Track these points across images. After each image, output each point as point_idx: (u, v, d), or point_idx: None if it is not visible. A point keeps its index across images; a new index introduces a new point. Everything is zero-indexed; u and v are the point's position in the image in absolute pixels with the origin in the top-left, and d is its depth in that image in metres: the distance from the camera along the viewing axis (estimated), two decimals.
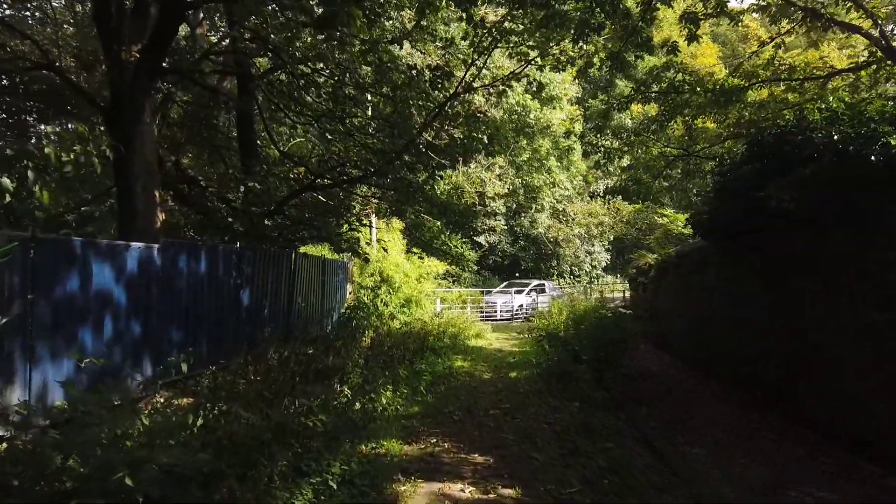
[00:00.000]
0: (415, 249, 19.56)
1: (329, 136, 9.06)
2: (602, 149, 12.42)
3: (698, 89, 10.27)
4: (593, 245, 32.14)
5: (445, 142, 8.95)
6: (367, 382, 7.02)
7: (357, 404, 6.07)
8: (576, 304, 14.97)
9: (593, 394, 7.45)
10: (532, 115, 21.84)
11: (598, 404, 7.03)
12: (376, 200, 13.07)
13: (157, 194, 9.55)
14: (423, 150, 9.06)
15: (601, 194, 33.28)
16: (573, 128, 24.54)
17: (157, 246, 7.26)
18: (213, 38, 14.39)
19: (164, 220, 10.57)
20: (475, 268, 27.44)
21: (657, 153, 12.77)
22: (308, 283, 12.19)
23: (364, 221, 16.95)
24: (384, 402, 6.55)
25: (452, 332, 13.75)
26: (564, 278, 31.49)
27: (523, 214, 28.24)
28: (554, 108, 23.24)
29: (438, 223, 11.35)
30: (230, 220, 8.95)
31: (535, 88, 11.27)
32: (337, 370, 8.94)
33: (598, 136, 11.72)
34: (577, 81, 25.48)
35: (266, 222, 11.49)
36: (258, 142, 12.02)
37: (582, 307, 14.39)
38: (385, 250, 14.32)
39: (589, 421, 6.25)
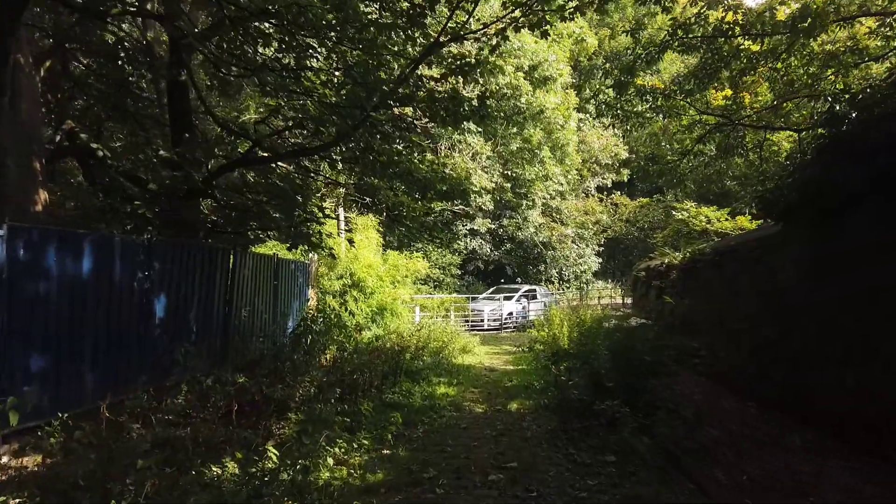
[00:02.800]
0: (393, 252, 17.41)
1: (270, 89, 6.89)
2: (621, 111, 10.38)
3: (758, 26, 8.25)
4: (584, 248, 30.32)
5: (425, 94, 6.84)
6: (304, 435, 4.86)
7: (285, 474, 3.93)
8: (579, 312, 12.96)
9: (632, 441, 5.41)
10: (524, 99, 19.89)
11: (646, 461, 5.00)
12: (342, 187, 10.93)
13: (38, 167, 7.33)
14: (399, 107, 7.01)
15: (597, 190, 31.36)
16: (569, 114, 22.72)
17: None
18: None
19: (56, 204, 8.31)
20: (458, 272, 25.45)
21: (689, 122, 10.75)
22: (254, 287, 10.02)
23: (329, 212, 14.80)
24: (326, 472, 4.40)
25: (434, 346, 11.66)
26: (553, 283, 29.61)
27: (510, 215, 26.27)
28: (548, 90, 21.32)
29: (420, 205, 9.43)
30: (137, 203, 6.74)
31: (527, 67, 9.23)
32: (278, 407, 6.81)
33: (619, 96, 9.75)
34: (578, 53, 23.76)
35: (204, 211, 9.32)
36: (196, 115, 9.79)
37: (588, 316, 12.41)
38: (351, 242, 12.16)
39: (642, 494, 4.21)
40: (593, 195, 31.43)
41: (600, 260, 31.96)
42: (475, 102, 7.58)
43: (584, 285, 30.86)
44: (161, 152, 7.27)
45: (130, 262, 6.82)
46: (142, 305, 7.06)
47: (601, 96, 10.27)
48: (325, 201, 12.59)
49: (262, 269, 10.42)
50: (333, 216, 14.90)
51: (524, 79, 19.79)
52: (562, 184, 26.04)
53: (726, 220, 12.86)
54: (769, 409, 6.81)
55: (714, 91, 10.53)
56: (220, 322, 8.89)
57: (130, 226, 7.26)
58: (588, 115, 29.61)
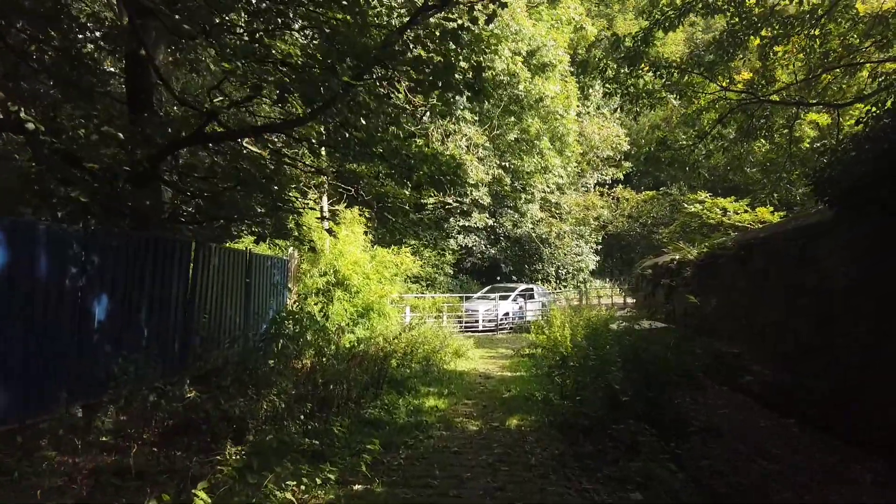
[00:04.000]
0: (381, 248, 16.39)
1: (231, 53, 5.86)
2: (631, 89, 9.33)
3: None
4: (582, 246, 29.38)
5: (411, 59, 5.82)
6: (249, 472, 3.86)
7: None
8: (582, 313, 12.01)
9: (661, 473, 4.43)
10: (522, 86, 18.90)
11: (680, 501, 4.00)
12: (323, 175, 9.94)
13: None
14: (382, 74, 6.01)
15: (599, 184, 30.31)
16: (569, 103, 21.75)
17: None
18: None
19: None
20: (451, 271, 24.48)
21: (708, 101, 9.70)
22: (222, 286, 9.02)
23: (313, 204, 13.78)
24: None
25: (424, 351, 10.67)
26: (550, 282, 28.68)
27: (506, 211, 25.28)
28: (547, 77, 20.34)
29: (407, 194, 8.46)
30: (72, 186, 5.74)
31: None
32: (235, 426, 5.81)
33: (631, 69, 8.71)
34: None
35: (165, 199, 8.27)
36: (159, 92, 8.73)
37: (593, 318, 11.46)
38: (330, 233, 11.16)
39: None
40: (595, 189, 30.38)
41: (598, 258, 31.05)
42: (470, 75, 6.60)
43: (582, 284, 29.94)
44: (105, 128, 6.22)
45: (60, 256, 5.81)
46: (76, 307, 6.04)
47: (609, 72, 9.21)
48: (307, 192, 11.55)
49: (232, 266, 9.40)
50: (315, 207, 13.88)
51: (522, 64, 18.82)
52: (561, 176, 25.03)
53: (745, 211, 11.90)
54: (813, 429, 5.85)
55: (739, 62, 9.50)
56: (179, 325, 7.87)
57: (64, 212, 6.22)
58: (588, 104, 28.63)
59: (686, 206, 13.08)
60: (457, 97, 8.62)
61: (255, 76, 5.42)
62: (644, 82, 9.42)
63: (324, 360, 8.75)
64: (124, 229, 6.78)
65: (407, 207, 10.02)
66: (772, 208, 11.67)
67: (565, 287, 28.97)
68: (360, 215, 15.12)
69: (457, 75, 6.62)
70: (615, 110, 25.44)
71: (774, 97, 9.10)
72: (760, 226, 9.97)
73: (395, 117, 7.61)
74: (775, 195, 12.01)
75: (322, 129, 8.14)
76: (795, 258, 6.58)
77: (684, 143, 10.62)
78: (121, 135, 6.24)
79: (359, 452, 5.19)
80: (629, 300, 23.50)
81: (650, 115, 31.87)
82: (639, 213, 26.39)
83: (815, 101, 9.34)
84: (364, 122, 6.74)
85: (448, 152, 16.83)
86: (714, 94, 9.69)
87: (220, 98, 7.41)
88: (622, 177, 31.19)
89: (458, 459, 5.32)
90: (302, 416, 6.19)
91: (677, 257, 11.83)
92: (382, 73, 6.34)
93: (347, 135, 6.55)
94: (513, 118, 20.25)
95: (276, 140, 9.36)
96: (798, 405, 6.34)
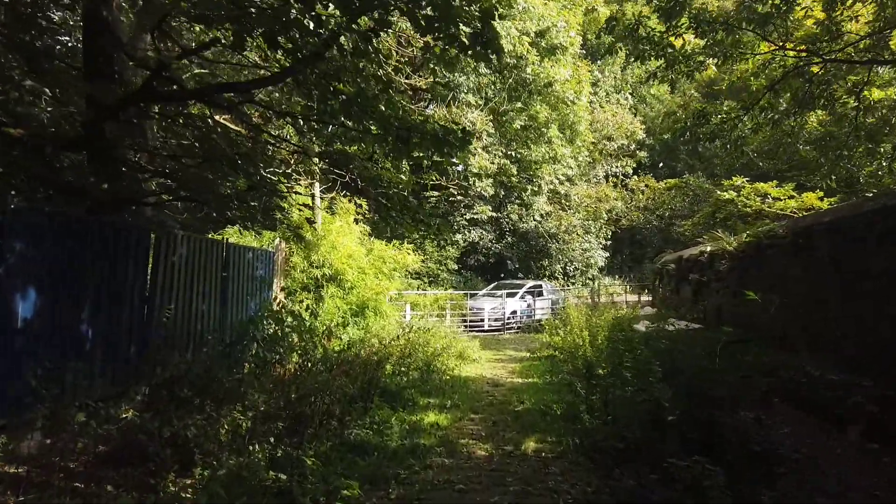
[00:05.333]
0: (379, 242, 15.25)
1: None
2: (668, 50, 8.05)
3: None
4: (591, 241, 28.16)
5: None
6: None
7: None
8: (602, 312, 10.85)
9: None
10: (530, 70, 17.70)
11: None
12: (310, 156, 8.82)
13: None
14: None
15: (612, 175, 28.97)
16: (581, 88, 20.54)
17: None
18: None
19: None
20: (455, 267, 23.36)
21: (756, 66, 8.43)
22: (191, 280, 7.89)
23: (300, 186, 12.62)
24: None
25: (425, 354, 9.53)
26: (557, 279, 27.48)
27: (512, 204, 24.10)
28: (557, 60, 19.10)
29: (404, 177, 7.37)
30: None
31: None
32: (182, 454, 4.68)
33: (668, 25, 7.46)
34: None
35: (129, 182, 7.14)
36: (121, 59, 7.57)
37: (613, 317, 10.32)
38: (310, 222, 10.02)
39: None
40: (609, 179, 29.02)
41: (607, 254, 29.84)
42: (478, 23, 5.45)
43: (590, 281, 28.76)
44: (27, 81, 5.09)
45: None
46: None
47: (640, 30, 7.94)
48: (292, 175, 10.38)
49: (204, 258, 8.27)
50: (302, 192, 12.72)
51: (530, 46, 17.60)
52: (571, 167, 23.77)
53: (789, 197, 10.63)
54: None
55: (800, 11, 8.17)
56: (135, 327, 6.73)
57: None
58: (601, 89, 27.35)
59: (718, 193, 11.82)
60: (460, 74, 7.41)
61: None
62: (682, 42, 8.16)
63: (309, 365, 7.65)
64: (60, 210, 5.64)
65: (405, 193, 8.91)
66: (821, 193, 10.39)
67: (573, 284, 27.79)
68: (356, 205, 13.98)
69: (462, 26, 5.50)
70: (644, 80, 24.12)
71: (840, 55, 7.82)
72: (826, 208, 8.66)
73: (387, 82, 6.45)
74: (833, 177, 10.72)
75: (301, 99, 7.01)
76: (877, 245, 5.39)
77: (726, 114, 9.34)
78: (51, 94, 5.08)
79: (336, 491, 4.04)
80: (643, 298, 22.32)
81: (667, 102, 30.69)
82: (655, 204, 25.06)
83: (891, 59, 8.03)
84: (352, 79, 5.59)
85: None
86: (766, 55, 8.42)
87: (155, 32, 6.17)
88: (631, 170, 29.99)
89: (464, 501, 4.16)
90: (272, 438, 5.07)
91: (708, 249, 10.65)
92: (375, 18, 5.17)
93: (332, 89, 5.38)
94: (519, 104, 19.01)
95: (254, 112, 8.23)
96: (882, 427, 5.16)
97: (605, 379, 6.47)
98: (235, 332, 8.29)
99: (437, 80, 15.31)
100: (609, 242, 29.73)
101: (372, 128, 6.00)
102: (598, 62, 30.68)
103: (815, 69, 8.14)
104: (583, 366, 7.26)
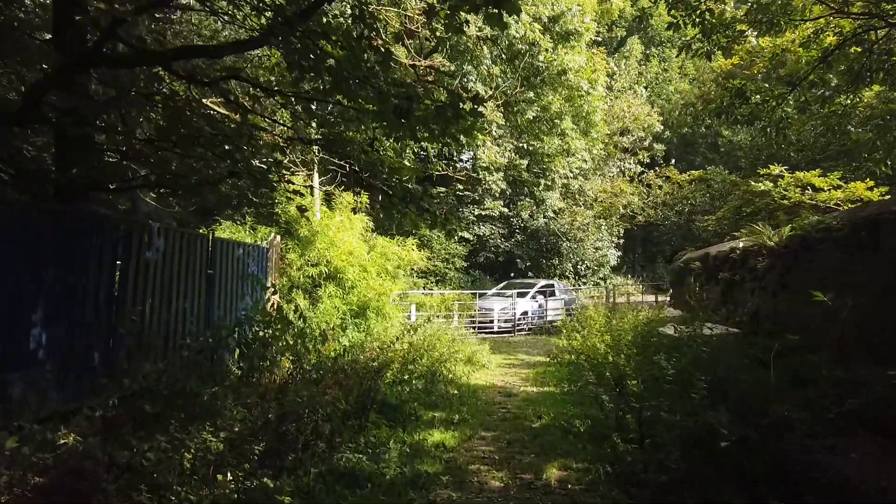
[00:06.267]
0: (383, 238, 14.47)
1: None
2: (706, 16, 7.08)
3: None
4: (603, 239, 27.25)
5: None
6: None
7: None
8: (625, 314, 10.01)
9: None
10: (542, 57, 16.83)
11: None
12: (305, 142, 8.04)
13: None
14: None
15: (626, 169, 28.00)
16: (596, 77, 19.64)
17: None
18: None
19: None
20: (464, 265, 22.59)
21: (804, 36, 7.49)
22: (169, 278, 7.11)
23: (296, 178, 11.86)
24: None
25: (431, 359, 8.74)
26: (568, 278, 26.62)
27: (523, 199, 23.25)
28: (571, 47, 18.19)
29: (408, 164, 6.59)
30: None
31: None
32: (133, 488, 3.90)
33: None
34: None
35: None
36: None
37: (639, 320, 9.50)
38: (300, 210, 9.24)
39: None
40: (625, 174, 28.00)
41: (619, 253, 28.92)
42: None
43: (602, 280, 27.88)
44: None
45: None
46: None
47: None
48: (292, 169, 9.60)
49: (186, 253, 7.50)
50: (301, 184, 11.96)
51: (542, 31, 16.72)
52: (585, 160, 22.83)
53: (836, 188, 9.67)
54: None
55: None
56: (100, 331, 5.95)
57: None
58: (616, 82, 26.41)
59: (752, 184, 10.87)
60: (467, 63, 6.59)
61: None
62: (723, 7, 7.24)
63: (300, 373, 6.87)
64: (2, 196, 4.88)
65: (407, 181, 8.10)
66: (871, 182, 9.46)
67: (584, 283, 26.92)
68: (356, 197, 13.20)
69: None
70: (680, 51, 23.17)
71: None
72: (853, 204, 7.76)
73: (386, 52, 5.63)
74: (889, 162, 9.75)
75: (286, 72, 6.24)
76: None
77: (768, 93, 8.38)
78: None
79: None
80: (660, 298, 21.39)
81: (685, 92, 29.70)
82: (674, 200, 24.06)
83: None
84: (343, 42, 4.79)
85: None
86: (820, 21, 7.47)
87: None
88: (646, 164, 29.04)
89: None
90: (246, 465, 4.29)
91: (741, 245, 9.76)
92: None
93: (318, 50, 4.58)
94: (531, 94, 18.11)
95: (243, 95, 7.47)
96: None
97: (638, 392, 5.63)
98: (220, 335, 7.53)
99: (442, 69, 14.50)
100: (622, 241, 28.83)
101: (368, 106, 5.20)
102: (614, 56, 29.83)
103: (873, 36, 7.18)
104: (611, 376, 6.41)
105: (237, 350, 6.53)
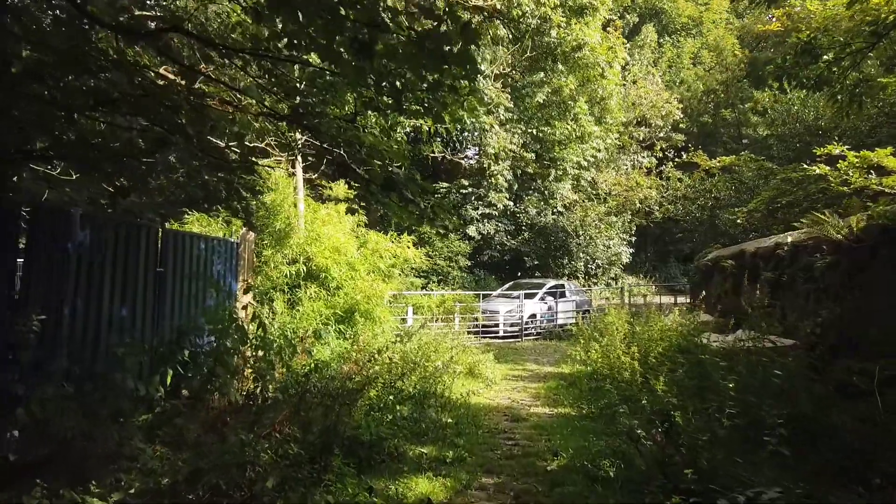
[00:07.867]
0: (374, 233, 13.19)
1: None
2: None
3: None
4: (615, 236, 25.80)
5: None
6: None
7: None
8: (654, 321, 8.67)
9: None
10: (554, 33, 15.47)
11: None
12: (278, 119, 6.73)
13: None
14: None
15: (641, 163, 26.55)
16: (613, 55, 18.26)
17: None
18: None
19: None
20: (468, 264, 21.31)
21: None
22: (99, 278, 5.81)
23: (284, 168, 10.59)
24: None
25: (424, 371, 7.48)
26: (578, 278, 25.24)
27: (530, 194, 21.92)
28: (586, 23, 16.80)
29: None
30: None
31: None
32: None
33: None
34: None
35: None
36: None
37: (666, 328, 8.21)
38: (255, 192, 7.93)
39: None
40: (643, 165, 26.50)
41: (631, 251, 27.49)
42: None
43: (613, 280, 26.48)
44: None
45: None
46: None
47: None
48: (245, 135, 8.24)
49: (125, 247, 6.21)
50: (275, 167, 10.69)
51: (555, 6, 15.35)
52: (599, 149, 21.41)
53: None
54: None
55: None
56: None
57: None
58: (633, 66, 24.96)
59: (805, 168, 9.45)
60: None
61: None
62: None
63: (261, 397, 5.62)
64: None
65: (397, 167, 6.82)
66: None
67: (595, 283, 25.53)
68: (350, 187, 11.94)
69: None
70: (665, 71, 21.74)
71: None
72: None
73: None
74: None
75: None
76: None
77: (844, 47, 6.95)
78: None
79: None
80: (680, 299, 19.99)
81: (706, 79, 28.23)
82: (695, 193, 22.59)
83: None
84: None
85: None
86: None
87: None
88: (657, 160, 27.60)
89: None
90: None
91: (789, 240, 8.42)
92: None
93: None
94: (542, 75, 16.74)
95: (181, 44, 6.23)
96: None
97: (686, 429, 4.30)
98: (164, 349, 6.25)
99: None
100: (634, 238, 27.40)
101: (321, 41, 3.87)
102: (628, 45, 28.43)
103: None
104: (647, 403, 5.07)
105: (169, 371, 5.25)
